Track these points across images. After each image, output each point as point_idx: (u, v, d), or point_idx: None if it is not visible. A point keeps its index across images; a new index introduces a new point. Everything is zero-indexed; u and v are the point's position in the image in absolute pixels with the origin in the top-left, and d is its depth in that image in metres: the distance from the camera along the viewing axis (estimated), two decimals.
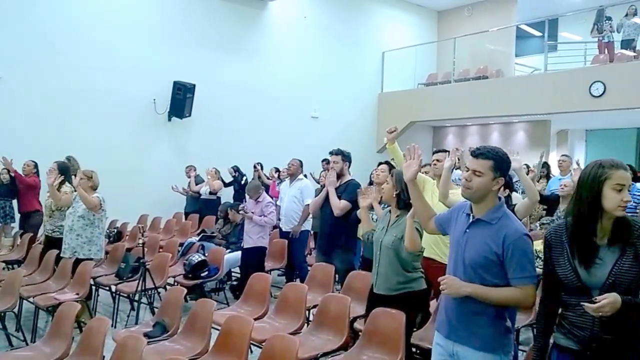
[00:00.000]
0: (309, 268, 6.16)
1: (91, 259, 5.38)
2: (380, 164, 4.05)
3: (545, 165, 8.38)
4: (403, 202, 3.46)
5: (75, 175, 5.51)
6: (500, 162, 2.36)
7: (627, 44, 10.45)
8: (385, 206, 3.91)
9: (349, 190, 5.00)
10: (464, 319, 2.40)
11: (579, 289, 2.13)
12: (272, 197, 7.26)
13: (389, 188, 3.56)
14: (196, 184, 9.24)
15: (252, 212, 5.96)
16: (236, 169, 9.67)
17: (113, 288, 5.78)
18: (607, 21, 10.61)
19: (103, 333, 3.33)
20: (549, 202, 5.67)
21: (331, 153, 5.27)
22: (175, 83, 9.72)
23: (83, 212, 5.28)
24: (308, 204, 6.20)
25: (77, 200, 5.40)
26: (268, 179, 9.48)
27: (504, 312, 2.41)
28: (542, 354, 2.28)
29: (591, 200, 2.09)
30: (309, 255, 7.24)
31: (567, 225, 2.19)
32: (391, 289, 3.44)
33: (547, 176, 8.22)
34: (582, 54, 12.51)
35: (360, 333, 3.68)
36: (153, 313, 5.09)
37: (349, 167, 5.30)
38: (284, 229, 6.53)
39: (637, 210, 4.95)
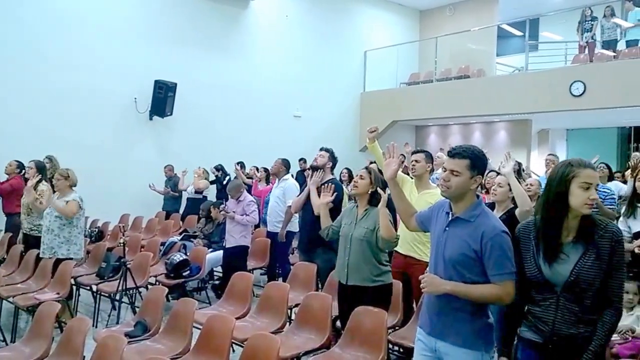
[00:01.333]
0: (291, 267, 6.16)
1: (71, 259, 5.33)
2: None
3: (518, 165, 8.48)
4: (376, 199, 3.55)
5: (54, 176, 5.46)
6: (476, 161, 2.40)
7: (607, 44, 10.61)
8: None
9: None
10: (444, 316, 2.43)
11: (543, 284, 2.19)
12: (254, 197, 7.22)
13: (365, 183, 3.62)
14: (175, 184, 9.19)
15: (234, 212, 5.94)
16: (219, 168, 9.63)
17: (94, 288, 5.72)
18: (591, 21, 10.75)
19: (83, 333, 3.30)
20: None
21: (321, 149, 5.28)
22: (156, 82, 9.65)
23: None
24: (290, 206, 6.16)
25: (42, 202, 5.37)
26: (249, 178, 9.43)
27: (486, 308, 2.45)
28: (507, 346, 2.34)
29: (559, 197, 2.15)
30: (291, 255, 7.25)
31: (536, 222, 2.25)
32: (366, 279, 3.55)
33: (519, 173, 8.31)
34: (563, 54, 12.67)
35: (342, 331, 3.69)
36: (134, 313, 5.06)
37: (332, 167, 5.31)
38: (269, 229, 6.51)
39: (612, 207, 5.03)
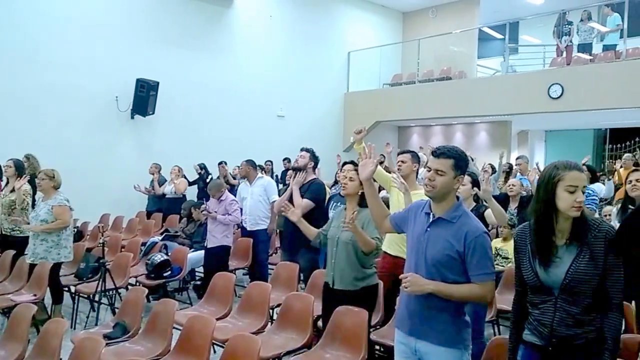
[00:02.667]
0: (271, 267, 6.16)
1: (62, 263, 5.23)
2: (345, 163, 4.05)
3: (508, 165, 8.60)
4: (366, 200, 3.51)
5: (35, 176, 5.37)
6: (460, 161, 2.43)
7: (583, 47, 10.78)
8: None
9: (311, 190, 5.05)
10: (425, 316, 2.45)
11: (541, 287, 2.19)
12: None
13: (354, 185, 3.58)
14: (160, 185, 9.11)
15: (215, 212, 5.91)
16: (203, 167, 9.56)
17: (72, 289, 5.64)
18: (567, 25, 10.93)
19: (60, 335, 3.25)
20: (499, 201, 5.79)
21: (302, 149, 5.29)
22: (138, 80, 9.56)
23: (45, 216, 5.06)
24: (275, 201, 6.18)
25: (39, 204, 5.25)
26: (234, 178, 9.40)
27: (463, 307, 2.49)
28: (514, 351, 2.34)
29: (546, 201, 2.15)
30: (274, 254, 7.24)
31: (530, 226, 2.25)
32: (350, 284, 3.51)
33: (508, 175, 8.43)
34: (542, 57, 12.86)
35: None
36: (114, 314, 5.00)
37: (314, 167, 5.33)
38: (248, 228, 6.50)
39: (592, 208, 5.11)
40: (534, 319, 2.24)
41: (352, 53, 13.69)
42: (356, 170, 3.67)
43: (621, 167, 8.47)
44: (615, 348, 2.09)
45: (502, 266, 5.05)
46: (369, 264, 3.58)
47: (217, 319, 3.87)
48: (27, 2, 8.54)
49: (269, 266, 6.39)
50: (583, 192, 2.11)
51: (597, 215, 5.82)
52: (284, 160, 10.42)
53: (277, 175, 10.85)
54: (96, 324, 5.06)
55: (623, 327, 3.47)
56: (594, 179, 6.98)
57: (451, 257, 2.37)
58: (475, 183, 4.04)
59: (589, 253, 2.09)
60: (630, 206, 3.89)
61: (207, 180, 9.13)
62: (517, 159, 7.65)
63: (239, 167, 9.65)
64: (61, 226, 5.09)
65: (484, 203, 4.08)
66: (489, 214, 3.96)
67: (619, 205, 4.15)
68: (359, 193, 3.55)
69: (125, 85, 9.53)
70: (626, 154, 8.38)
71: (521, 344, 2.30)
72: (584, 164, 7.02)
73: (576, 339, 2.12)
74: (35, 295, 4.90)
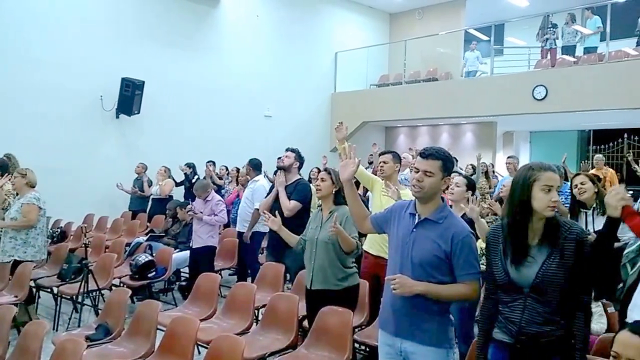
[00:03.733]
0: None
1: (30, 261, 5.17)
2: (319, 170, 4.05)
3: (485, 165, 8.68)
4: (342, 197, 3.54)
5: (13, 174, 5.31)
6: (447, 162, 2.46)
7: (567, 50, 10.91)
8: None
9: (298, 190, 5.03)
10: (411, 316, 2.46)
11: (510, 286, 2.23)
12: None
13: (327, 185, 3.63)
14: (143, 184, 9.04)
15: (201, 212, 5.87)
16: (191, 166, 9.48)
17: (55, 290, 5.59)
18: (551, 28, 11.04)
19: (41, 337, 3.20)
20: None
21: (287, 149, 5.28)
22: (123, 79, 9.47)
23: (15, 214, 5.07)
24: (257, 208, 6.10)
25: (14, 202, 5.21)
26: (220, 178, 9.35)
27: (448, 306, 2.51)
28: (484, 349, 2.37)
29: (522, 201, 2.19)
30: (260, 255, 7.21)
31: (503, 226, 2.29)
32: (330, 283, 3.53)
33: (487, 175, 8.50)
34: (527, 59, 12.97)
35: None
36: (97, 315, 4.95)
37: (299, 167, 5.31)
38: (238, 229, 6.46)
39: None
40: (503, 317, 2.27)
41: (340, 53, 13.71)
42: (326, 170, 3.73)
43: (593, 167, 8.62)
44: (585, 347, 2.15)
45: (484, 264, 5.06)
46: (350, 264, 3.61)
47: (202, 320, 3.86)
48: (11, 0, 8.43)
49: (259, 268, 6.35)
50: (558, 192, 2.17)
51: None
52: (278, 159, 10.32)
53: (266, 175, 10.80)
54: (79, 326, 5.01)
55: (606, 327, 3.52)
56: (565, 179, 7.06)
57: (438, 258, 2.39)
58: (471, 186, 3.99)
59: (560, 254, 2.13)
60: (581, 209, 3.97)
61: (193, 180, 9.07)
62: (508, 158, 7.71)
63: (225, 167, 9.66)
64: (26, 224, 5.04)
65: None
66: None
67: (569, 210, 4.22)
68: (333, 192, 3.61)
69: (110, 84, 9.44)
70: (597, 155, 8.52)
71: (491, 342, 2.34)
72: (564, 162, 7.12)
73: (544, 337, 2.16)
74: (16, 296, 4.83)
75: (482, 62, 12.37)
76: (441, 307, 2.45)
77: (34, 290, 5.42)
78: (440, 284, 2.39)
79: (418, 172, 2.45)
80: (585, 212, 3.97)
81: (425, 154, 2.45)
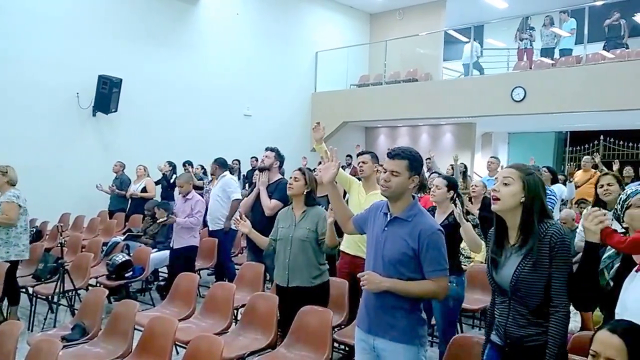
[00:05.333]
0: (236, 267, 6.10)
1: (14, 261, 5.06)
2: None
3: (463, 166, 8.77)
4: (312, 199, 3.69)
5: None
6: (414, 161, 2.50)
7: (546, 52, 11.07)
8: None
9: (279, 189, 5.02)
10: (382, 313, 2.49)
11: (497, 288, 2.27)
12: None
13: (299, 185, 3.67)
14: (123, 184, 8.91)
15: (176, 215, 5.77)
16: (172, 165, 9.37)
17: (30, 290, 5.49)
18: (528, 30, 11.19)
19: (15, 337, 3.14)
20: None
21: (266, 149, 5.27)
22: (100, 77, 9.34)
23: None
24: (236, 199, 6.13)
25: None
26: (200, 179, 9.26)
27: (420, 304, 2.54)
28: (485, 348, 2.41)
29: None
30: (239, 255, 7.19)
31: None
32: (306, 281, 3.60)
33: (465, 175, 8.60)
34: (505, 60, 13.12)
35: (286, 332, 3.68)
36: (73, 315, 4.88)
37: (280, 166, 5.31)
38: (211, 228, 6.44)
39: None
40: (496, 320, 2.31)
41: (320, 53, 13.70)
42: (300, 170, 3.77)
43: (579, 169, 8.72)
44: (559, 351, 2.09)
45: (465, 265, 5.12)
46: (323, 261, 3.72)
47: (180, 320, 3.83)
48: None
49: (235, 266, 6.33)
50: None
51: (558, 216, 5.96)
52: (251, 158, 10.34)
53: (244, 175, 10.78)
54: (54, 326, 4.93)
55: (580, 325, 3.56)
56: (554, 181, 7.13)
57: (407, 255, 2.43)
58: (452, 186, 3.93)
59: (535, 256, 2.13)
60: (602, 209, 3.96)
61: (172, 180, 8.98)
62: (490, 158, 7.78)
63: (201, 166, 9.59)
64: (6, 222, 4.94)
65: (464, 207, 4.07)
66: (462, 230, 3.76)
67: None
68: (304, 193, 3.66)
69: (87, 82, 9.29)
70: (585, 157, 8.61)
71: (489, 342, 2.37)
72: (544, 167, 7.20)
73: (528, 340, 2.16)
74: None
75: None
76: (411, 304, 2.48)
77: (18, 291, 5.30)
78: (410, 281, 2.43)
79: (386, 172, 2.49)
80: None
81: (392, 154, 2.51)
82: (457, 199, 4.05)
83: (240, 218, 3.89)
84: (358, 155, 4.50)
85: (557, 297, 2.10)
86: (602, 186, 3.83)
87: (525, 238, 2.17)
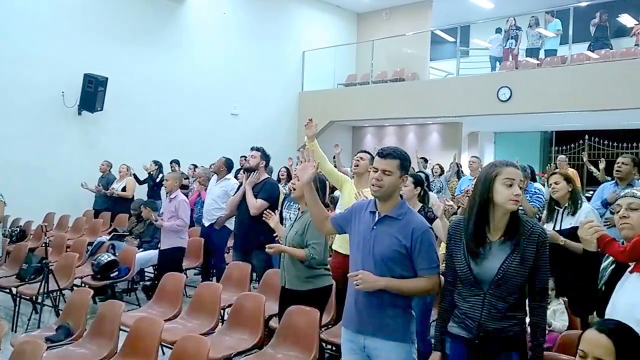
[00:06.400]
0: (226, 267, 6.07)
1: None
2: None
3: (457, 165, 8.81)
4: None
5: None
6: (404, 161, 2.52)
7: (531, 52, 11.16)
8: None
9: (265, 189, 5.02)
10: (375, 312, 2.49)
11: (472, 281, 2.26)
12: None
13: (300, 185, 3.60)
14: (108, 182, 8.83)
15: (162, 219, 5.70)
16: (158, 164, 9.29)
17: (14, 290, 5.42)
18: (516, 30, 11.26)
19: None
20: None
21: (252, 149, 5.25)
22: (86, 75, 9.25)
23: None
24: None
25: None
26: (186, 178, 9.20)
27: (410, 302, 2.55)
28: (442, 341, 2.40)
29: (484, 196, 2.23)
30: (226, 254, 7.15)
31: (466, 220, 2.33)
32: (295, 283, 3.52)
33: (458, 174, 8.64)
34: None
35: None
36: (58, 316, 4.83)
37: (266, 166, 5.30)
38: (205, 224, 6.39)
39: (537, 206, 5.26)
40: (461, 313, 2.30)
41: (307, 52, 13.69)
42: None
43: (556, 168, 8.81)
44: (542, 341, 2.23)
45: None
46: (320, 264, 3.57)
47: (166, 320, 3.80)
48: None
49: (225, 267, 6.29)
50: (520, 188, 2.21)
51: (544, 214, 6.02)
52: (241, 157, 10.31)
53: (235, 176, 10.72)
54: (38, 327, 4.86)
55: (567, 324, 3.60)
56: (532, 179, 7.20)
57: (399, 253, 2.44)
58: (418, 183, 4.03)
59: (521, 253, 2.18)
60: (556, 207, 4.09)
61: (157, 179, 8.93)
62: (471, 157, 7.84)
63: (194, 165, 9.52)
64: None
65: (430, 207, 4.09)
66: (437, 225, 3.81)
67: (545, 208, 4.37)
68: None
69: (72, 80, 9.20)
70: (560, 156, 8.70)
71: (448, 336, 2.37)
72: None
73: (502, 333, 2.20)
74: None
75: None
76: (405, 302, 2.50)
77: None
78: (402, 278, 2.44)
79: (377, 171, 2.49)
80: (558, 210, 4.07)
81: (384, 154, 2.51)
82: (424, 195, 4.21)
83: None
84: (359, 152, 4.50)
85: (540, 293, 2.22)
86: (550, 185, 4.12)
87: (512, 233, 2.21)
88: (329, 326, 4.04)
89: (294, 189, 3.68)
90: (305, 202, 2.89)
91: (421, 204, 4.07)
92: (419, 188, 4.02)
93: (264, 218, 3.93)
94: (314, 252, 3.39)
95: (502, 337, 2.20)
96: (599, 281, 2.27)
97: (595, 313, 2.32)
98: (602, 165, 7.40)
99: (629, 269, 2.09)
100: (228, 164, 6.41)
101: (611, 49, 10.52)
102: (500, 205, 2.20)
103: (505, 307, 2.20)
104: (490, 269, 2.21)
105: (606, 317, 2.06)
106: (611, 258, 2.35)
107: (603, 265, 2.32)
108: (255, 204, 4.89)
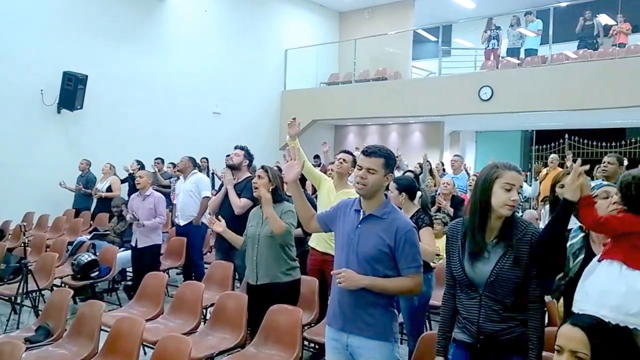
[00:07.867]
0: (205, 266, 6.05)
1: None
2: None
3: (429, 164, 8.85)
4: (278, 195, 3.67)
5: None
6: (389, 160, 2.51)
7: (512, 52, 11.28)
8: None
9: (248, 188, 4.98)
10: (358, 310, 2.49)
11: (467, 284, 2.26)
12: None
13: (264, 183, 3.65)
14: (88, 181, 8.71)
15: (137, 218, 5.63)
16: (139, 163, 9.19)
17: None
18: (494, 30, 11.38)
19: None
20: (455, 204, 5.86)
21: (236, 147, 5.24)
22: (65, 73, 9.13)
23: None
24: (206, 196, 6.15)
25: None
26: (168, 178, 9.11)
27: (393, 301, 2.56)
28: (444, 347, 2.38)
29: (483, 198, 2.21)
30: (208, 253, 7.12)
31: (464, 222, 2.32)
32: (276, 276, 3.59)
33: (431, 172, 8.68)
34: (473, 60, 13.30)
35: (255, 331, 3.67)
36: (38, 317, 4.76)
37: (249, 165, 5.29)
38: (180, 224, 6.36)
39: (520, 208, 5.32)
40: (463, 318, 2.30)
41: (290, 51, 13.67)
42: (264, 169, 3.76)
43: (546, 166, 8.90)
44: (540, 344, 2.17)
45: (434, 262, 5.17)
46: (294, 256, 3.70)
47: (147, 320, 3.78)
48: None
49: (204, 265, 6.27)
50: (519, 193, 2.19)
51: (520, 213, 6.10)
52: (227, 156, 10.21)
53: (213, 173, 10.66)
54: (17, 328, 4.79)
55: (547, 321, 3.64)
56: None
57: (382, 252, 2.44)
58: (405, 189, 3.83)
59: (514, 254, 2.16)
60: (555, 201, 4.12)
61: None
62: (453, 156, 7.88)
63: (173, 164, 9.45)
64: None
65: (425, 213, 3.96)
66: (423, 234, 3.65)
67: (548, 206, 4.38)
68: (269, 190, 3.62)
69: (51, 78, 9.08)
70: (552, 155, 8.77)
71: (452, 342, 2.35)
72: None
73: (502, 335, 2.18)
74: None
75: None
76: (387, 301, 2.51)
77: None
78: (385, 277, 2.44)
79: (361, 169, 2.48)
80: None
81: (368, 152, 2.50)
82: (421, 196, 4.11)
83: (216, 218, 3.88)
84: (341, 151, 4.47)
85: (535, 294, 2.18)
86: (562, 186, 3.95)
87: (506, 234, 2.19)
88: (312, 325, 4.04)
89: (256, 187, 3.68)
90: (293, 199, 2.88)
91: (416, 209, 3.87)
92: (403, 194, 3.84)
93: (207, 225, 3.95)
94: (290, 227, 3.56)
95: (503, 341, 2.18)
96: (572, 258, 2.33)
97: (562, 300, 2.37)
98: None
99: (597, 258, 2.13)
100: (192, 161, 6.56)
101: (596, 49, 10.64)
102: (494, 209, 2.18)
103: (501, 308, 2.18)
104: (484, 271, 2.20)
105: (577, 303, 2.10)
106: (578, 239, 2.40)
107: (572, 241, 2.37)
108: (239, 204, 4.87)
